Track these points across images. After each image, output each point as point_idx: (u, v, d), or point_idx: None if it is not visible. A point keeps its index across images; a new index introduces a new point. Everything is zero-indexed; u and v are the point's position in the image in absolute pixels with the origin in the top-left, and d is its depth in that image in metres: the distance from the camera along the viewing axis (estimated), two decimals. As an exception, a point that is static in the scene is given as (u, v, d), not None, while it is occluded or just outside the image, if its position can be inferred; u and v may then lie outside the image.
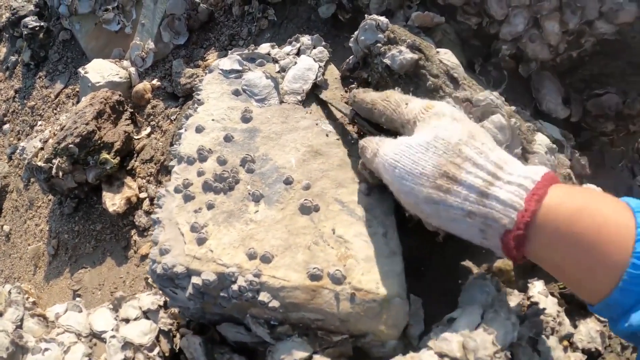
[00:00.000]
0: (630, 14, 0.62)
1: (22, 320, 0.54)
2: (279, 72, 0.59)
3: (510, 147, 0.50)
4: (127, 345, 0.51)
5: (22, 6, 1.10)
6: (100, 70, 0.86)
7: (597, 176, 0.65)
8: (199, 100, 0.58)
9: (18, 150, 0.83)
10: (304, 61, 0.59)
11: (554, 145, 0.54)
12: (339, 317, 0.44)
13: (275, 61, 0.60)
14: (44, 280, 0.83)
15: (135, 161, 0.80)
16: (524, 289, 0.51)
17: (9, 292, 0.58)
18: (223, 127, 0.55)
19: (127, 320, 0.54)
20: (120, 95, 0.83)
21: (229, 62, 0.60)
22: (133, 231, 0.76)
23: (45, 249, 0.86)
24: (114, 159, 0.77)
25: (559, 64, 0.71)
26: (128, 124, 0.81)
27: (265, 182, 0.51)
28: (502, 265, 0.53)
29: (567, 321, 0.51)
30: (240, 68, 0.60)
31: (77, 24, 0.97)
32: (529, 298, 0.50)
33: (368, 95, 0.49)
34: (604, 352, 0.51)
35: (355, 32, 0.58)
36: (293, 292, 0.44)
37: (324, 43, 0.61)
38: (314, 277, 0.44)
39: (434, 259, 0.55)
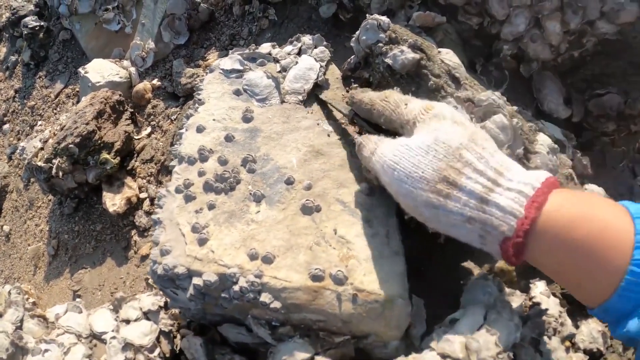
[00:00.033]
0: (631, 13, 0.62)
1: (22, 321, 0.54)
2: (280, 71, 0.59)
3: (512, 147, 0.50)
4: (127, 346, 0.51)
5: (22, 6, 1.10)
6: (101, 70, 0.86)
7: (598, 176, 0.65)
8: (199, 100, 0.58)
9: (18, 150, 0.82)
10: (305, 61, 0.59)
11: (556, 146, 0.54)
12: (341, 318, 0.44)
13: (276, 61, 0.60)
14: (44, 281, 0.82)
15: (136, 161, 0.80)
16: (525, 290, 0.51)
17: (9, 293, 0.57)
18: (224, 127, 0.55)
19: (127, 321, 0.53)
20: (120, 95, 0.83)
21: (230, 61, 0.60)
22: (133, 231, 0.76)
23: (45, 249, 0.85)
24: (114, 159, 0.77)
25: (560, 64, 0.70)
26: (128, 124, 0.81)
27: (267, 182, 0.51)
28: (503, 266, 0.53)
29: (569, 322, 0.50)
30: (241, 68, 0.59)
31: (77, 23, 0.97)
32: (531, 299, 0.50)
33: (366, 96, 0.49)
34: (606, 353, 0.51)
35: (357, 32, 0.58)
36: (295, 293, 0.44)
37: (325, 43, 0.61)
38: (316, 277, 0.44)
39: (435, 259, 0.55)
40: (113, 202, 0.75)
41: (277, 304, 0.44)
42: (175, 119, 0.80)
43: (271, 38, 0.81)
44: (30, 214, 0.92)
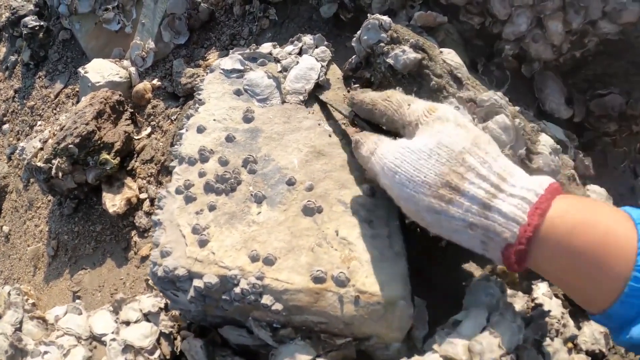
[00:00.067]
0: (633, 13, 0.62)
1: (21, 322, 0.53)
2: (280, 71, 0.58)
3: (515, 148, 0.50)
4: (127, 348, 0.50)
5: (22, 5, 1.09)
6: (100, 70, 0.85)
7: (599, 177, 0.65)
8: (200, 100, 0.57)
9: (17, 151, 0.82)
10: (306, 61, 0.59)
11: (558, 146, 0.53)
12: (343, 320, 0.44)
13: (277, 61, 0.60)
14: (43, 282, 0.82)
15: (136, 161, 0.80)
16: (528, 291, 0.51)
17: (9, 294, 0.57)
18: (224, 127, 0.55)
19: (127, 323, 0.53)
20: (120, 95, 0.82)
21: (231, 61, 0.60)
22: (133, 232, 0.75)
23: (44, 249, 0.85)
24: (114, 159, 0.77)
25: (562, 64, 0.70)
26: (128, 124, 0.81)
27: (268, 183, 0.51)
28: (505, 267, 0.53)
29: (571, 323, 0.50)
30: (241, 68, 0.59)
31: (77, 23, 0.96)
32: (533, 300, 0.50)
33: (367, 96, 0.49)
34: (608, 354, 0.51)
35: (358, 32, 0.57)
36: (296, 295, 0.44)
37: (326, 42, 0.61)
38: (318, 279, 0.44)
39: (437, 260, 0.55)
40: (113, 202, 0.75)
41: (278, 306, 0.43)
42: (175, 119, 0.80)
43: (272, 38, 0.80)
44: (29, 215, 0.92)
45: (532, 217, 0.35)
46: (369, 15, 0.56)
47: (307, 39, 0.61)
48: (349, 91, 0.59)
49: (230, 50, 0.62)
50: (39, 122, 0.99)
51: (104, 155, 0.76)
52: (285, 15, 0.81)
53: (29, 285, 0.82)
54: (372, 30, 0.55)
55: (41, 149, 0.79)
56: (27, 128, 1.02)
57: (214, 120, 0.55)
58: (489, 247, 0.38)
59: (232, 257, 0.46)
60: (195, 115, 0.56)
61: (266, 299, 0.44)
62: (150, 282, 0.69)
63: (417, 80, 0.53)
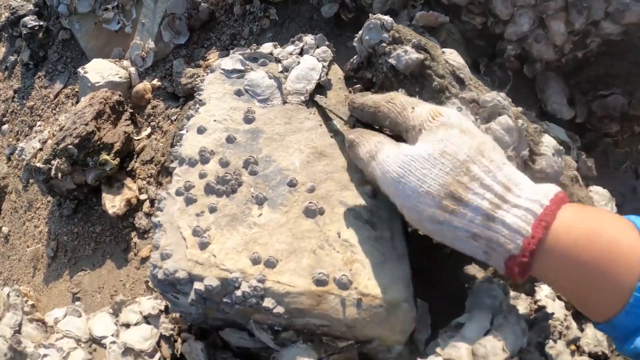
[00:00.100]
0: (636, 14, 0.62)
1: (20, 325, 0.53)
2: (281, 72, 0.58)
3: (518, 149, 0.49)
4: (127, 350, 0.50)
5: (22, 5, 1.09)
6: (100, 70, 0.85)
7: (601, 177, 0.65)
8: (200, 100, 0.57)
9: (17, 151, 0.82)
10: (308, 61, 0.58)
11: (561, 147, 0.53)
12: (345, 322, 0.43)
13: (278, 61, 0.59)
14: (43, 283, 0.82)
15: (135, 162, 0.80)
16: (530, 293, 0.51)
17: (8, 295, 0.57)
18: (225, 127, 0.54)
19: (127, 325, 0.53)
20: (120, 95, 0.82)
21: (231, 61, 0.59)
22: (133, 233, 0.75)
23: (44, 250, 0.85)
24: (113, 160, 0.76)
25: (564, 64, 0.70)
26: (128, 125, 0.80)
27: (269, 185, 0.50)
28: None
29: (574, 325, 0.50)
30: (242, 68, 0.59)
31: (77, 23, 0.96)
32: (536, 302, 0.49)
33: (369, 99, 0.48)
34: (611, 356, 0.51)
35: (360, 32, 0.57)
36: (298, 298, 0.43)
37: (327, 42, 0.60)
38: (320, 282, 0.43)
39: (439, 262, 0.55)
40: (113, 203, 0.74)
41: (280, 309, 0.43)
42: (175, 120, 0.80)
43: (272, 38, 0.80)
44: (29, 215, 0.91)
45: (537, 229, 0.35)
46: (370, 15, 0.56)
47: (308, 38, 0.60)
48: (350, 92, 0.58)
49: (231, 50, 0.62)
50: (38, 123, 0.98)
51: (104, 156, 0.75)
52: (286, 15, 0.81)
53: (28, 287, 0.81)
54: (374, 30, 0.55)
55: (40, 149, 0.79)
56: (27, 128, 1.02)
57: (215, 120, 0.55)
58: (491, 257, 0.37)
59: (233, 259, 0.45)
60: (196, 115, 0.56)
61: (268, 302, 0.43)
62: (150, 284, 0.68)
63: (419, 80, 0.53)
